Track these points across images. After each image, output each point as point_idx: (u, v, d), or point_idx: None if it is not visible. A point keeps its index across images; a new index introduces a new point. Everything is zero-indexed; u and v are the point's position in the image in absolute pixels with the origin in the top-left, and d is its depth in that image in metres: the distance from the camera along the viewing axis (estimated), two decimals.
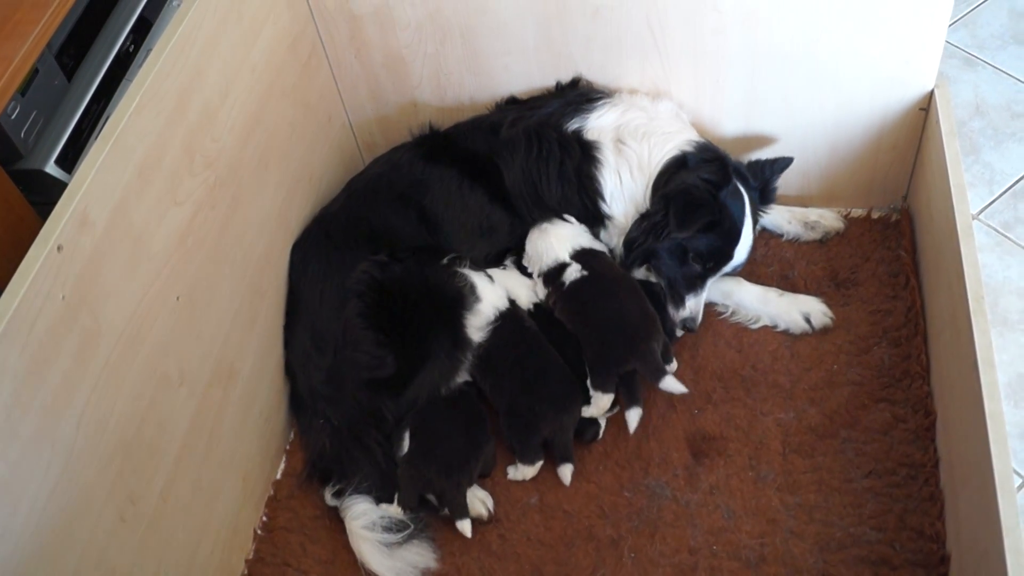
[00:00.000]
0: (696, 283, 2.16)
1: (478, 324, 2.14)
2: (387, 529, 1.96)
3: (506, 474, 2.08)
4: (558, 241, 2.21)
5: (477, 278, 2.17)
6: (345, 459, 2.08)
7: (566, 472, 2.03)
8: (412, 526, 1.97)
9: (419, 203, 2.27)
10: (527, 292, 2.26)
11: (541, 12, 2.25)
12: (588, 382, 2.07)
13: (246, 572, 2.04)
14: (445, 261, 2.18)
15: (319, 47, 2.40)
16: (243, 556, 2.05)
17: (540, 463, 2.06)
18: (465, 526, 1.96)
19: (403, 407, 2.08)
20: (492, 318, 2.14)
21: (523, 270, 2.30)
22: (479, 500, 2.03)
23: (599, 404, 2.07)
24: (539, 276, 2.23)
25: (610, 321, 2.10)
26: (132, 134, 1.66)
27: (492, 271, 2.27)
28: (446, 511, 1.99)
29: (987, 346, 1.67)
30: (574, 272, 2.15)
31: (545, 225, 2.25)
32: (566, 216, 2.26)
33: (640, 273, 2.26)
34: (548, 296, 2.20)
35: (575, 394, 2.08)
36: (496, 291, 2.19)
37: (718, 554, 1.90)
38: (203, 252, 1.88)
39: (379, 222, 2.26)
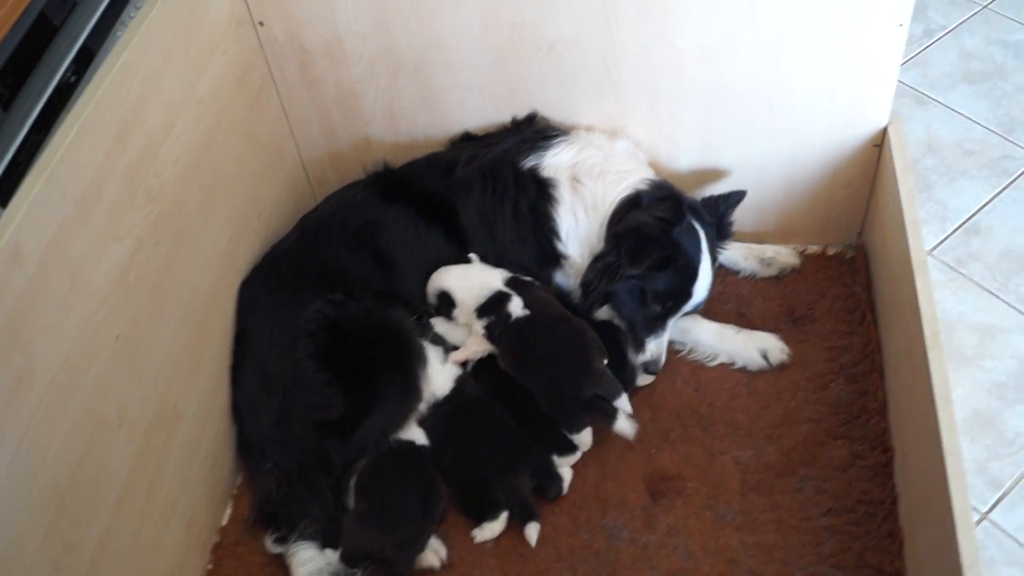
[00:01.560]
0: (656, 324, 2.16)
1: (427, 388, 2.13)
2: (334, 575, 1.92)
3: (472, 537, 2.01)
4: (486, 271, 2.19)
5: (433, 354, 2.16)
6: (292, 503, 2.04)
7: (532, 532, 1.99)
8: (359, 573, 1.94)
9: (374, 242, 2.26)
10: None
11: (495, 47, 2.25)
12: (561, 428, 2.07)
13: None
14: (410, 318, 2.19)
15: (269, 81, 2.38)
16: None
17: (504, 514, 2.01)
18: None
19: (351, 451, 2.04)
20: (432, 401, 2.13)
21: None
22: (431, 550, 1.99)
23: (583, 440, 2.07)
24: (474, 311, 2.16)
25: (554, 355, 2.08)
26: (69, 166, 1.62)
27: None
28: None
29: (944, 382, 1.68)
30: (518, 308, 2.12)
31: (456, 266, 2.23)
32: (470, 255, 2.25)
33: (603, 313, 2.25)
34: (489, 331, 2.14)
35: (519, 454, 2.05)
36: (445, 374, 2.16)
37: None
38: (145, 289, 1.84)
39: (332, 261, 2.24)
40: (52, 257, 1.58)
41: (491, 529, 2.00)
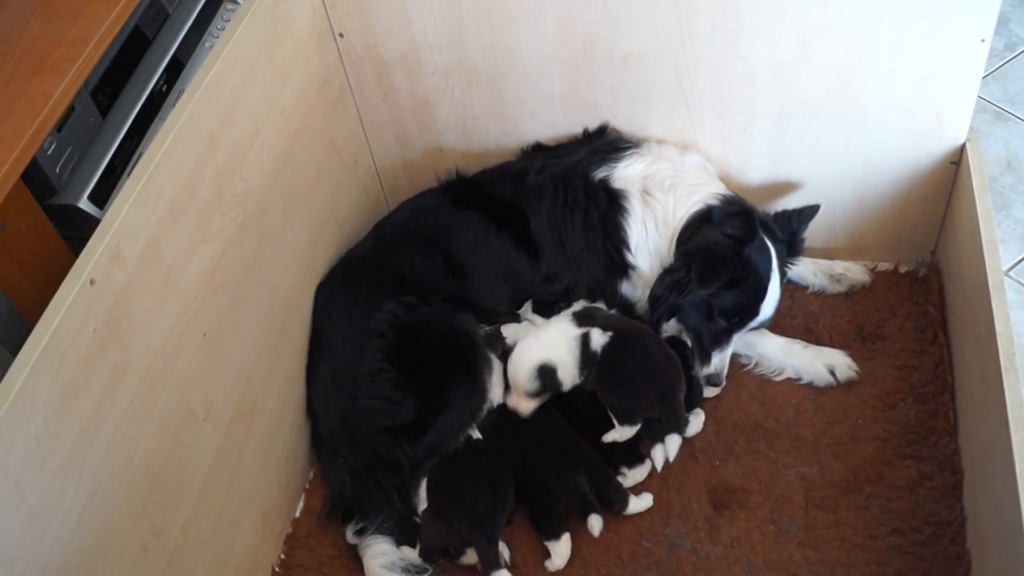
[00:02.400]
0: (721, 338, 2.17)
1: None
2: (406, 571, 2.00)
3: (542, 544, 2.05)
4: (553, 324, 2.19)
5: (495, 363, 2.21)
6: (365, 499, 2.10)
7: (595, 524, 2.03)
8: (430, 569, 2.01)
9: (445, 248, 2.31)
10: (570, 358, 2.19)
11: (568, 59, 2.30)
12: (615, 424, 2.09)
13: None
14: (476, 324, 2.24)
15: (347, 90, 2.46)
16: None
17: (567, 536, 2.04)
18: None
19: (421, 454, 2.10)
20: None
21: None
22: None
23: (622, 432, 2.09)
24: (577, 369, 2.15)
25: (640, 375, 2.10)
26: (165, 172, 1.72)
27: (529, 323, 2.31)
28: (466, 559, 2.02)
29: (1019, 405, 1.67)
30: (598, 337, 2.13)
31: (528, 334, 2.21)
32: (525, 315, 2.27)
33: (671, 327, 2.27)
34: (587, 379, 2.14)
35: (575, 456, 2.09)
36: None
37: None
38: (230, 290, 1.92)
39: (405, 266, 2.30)
40: (147, 257, 1.67)
41: (560, 553, 2.02)
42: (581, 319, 2.17)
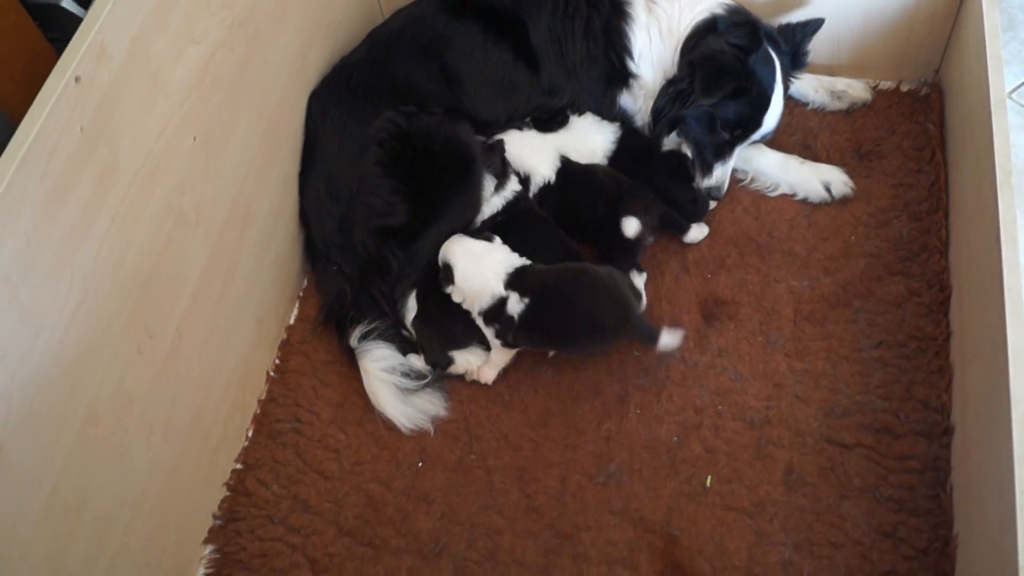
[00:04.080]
0: (724, 151, 2.14)
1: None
2: (405, 375, 2.01)
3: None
4: (491, 273, 1.98)
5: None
6: (365, 306, 2.11)
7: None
8: (429, 376, 2.03)
9: (441, 57, 2.24)
10: (547, 162, 2.20)
11: None
12: None
13: (259, 411, 2.09)
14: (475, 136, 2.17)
15: None
16: (256, 396, 2.10)
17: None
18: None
19: (410, 259, 2.08)
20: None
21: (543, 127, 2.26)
22: (479, 356, 2.06)
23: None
24: (479, 315, 2.01)
25: (582, 322, 1.93)
26: None
27: (512, 133, 2.25)
28: (455, 369, 2.04)
29: (1011, 221, 1.65)
30: (515, 304, 1.94)
31: (466, 245, 2.02)
32: (486, 234, 2.07)
33: (671, 141, 2.23)
34: (499, 334, 1.98)
35: (574, 256, 2.08)
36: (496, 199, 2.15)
37: (723, 414, 1.94)
38: (220, 93, 1.85)
39: (401, 75, 2.23)
40: (134, 56, 1.59)
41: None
42: (511, 279, 1.96)
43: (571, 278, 1.94)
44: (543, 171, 2.20)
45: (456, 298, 2.00)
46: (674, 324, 2.06)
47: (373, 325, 2.08)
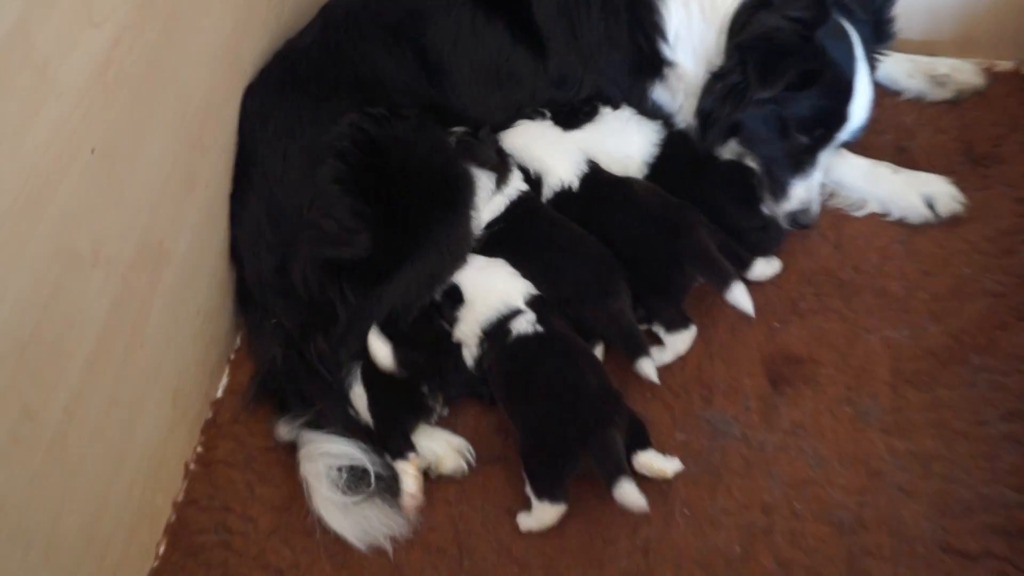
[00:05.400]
0: (803, 160, 2.12)
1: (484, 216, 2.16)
2: (354, 476, 1.97)
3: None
4: (510, 281, 2.09)
5: (480, 176, 2.16)
6: (302, 376, 2.08)
7: (648, 367, 2.00)
8: (376, 479, 1.97)
9: (418, 40, 2.25)
10: (567, 162, 2.21)
11: None
12: (527, 485, 1.94)
13: (173, 518, 2.04)
14: (455, 135, 2.17)
15: None
16: (170, 496, 2.06)
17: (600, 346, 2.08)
18: None
19: (366, 310, 2.04)
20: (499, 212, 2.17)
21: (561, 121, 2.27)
22: (453, 449, 2.02)
23: (539, 517, 1.94)
24: (480, 330, 2.06)
25: (560, 394, 1.95)
26: None
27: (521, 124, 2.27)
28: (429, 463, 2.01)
29: None
30: (526, 323, 2.01)
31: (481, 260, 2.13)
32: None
33: (728, 151, 2.22)
34: (482, 356, 2.06)
35: (616, 271, 2.07)
36: (497, 201, 2.18)
37: (801, 514, 1.90)
38: (127, 91, 1.81)
39: (365, 64, 2.24)
40: (14, 45, 1.54)
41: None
42: (534, 302, 2.06)
43: (584, 346, 2.01)
44: (561, 172, 2.20)
45: (461, 330, 2.04)
46: (731, 391, 2.04)
47: (301, 408, 2.05)
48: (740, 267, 2.12)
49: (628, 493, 1.81)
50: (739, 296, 2.03)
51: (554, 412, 1.91)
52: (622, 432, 1.89)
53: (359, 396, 2.03)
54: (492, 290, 2.04)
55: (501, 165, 2.15)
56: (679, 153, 2.25)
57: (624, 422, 1.91)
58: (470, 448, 2.03)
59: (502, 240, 2.12)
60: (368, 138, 2.06)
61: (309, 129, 2.13)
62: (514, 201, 2.16)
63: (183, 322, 2.06)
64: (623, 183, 2.18)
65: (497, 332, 2.01)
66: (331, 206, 2.04)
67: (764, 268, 2.15)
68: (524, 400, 1.97)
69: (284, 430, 2.06)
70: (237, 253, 2.22)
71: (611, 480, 1.82)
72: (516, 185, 2.17)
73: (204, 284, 2.14)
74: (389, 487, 1.97)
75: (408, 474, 1.94)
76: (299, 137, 2.15)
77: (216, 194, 2.17)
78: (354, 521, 1.94)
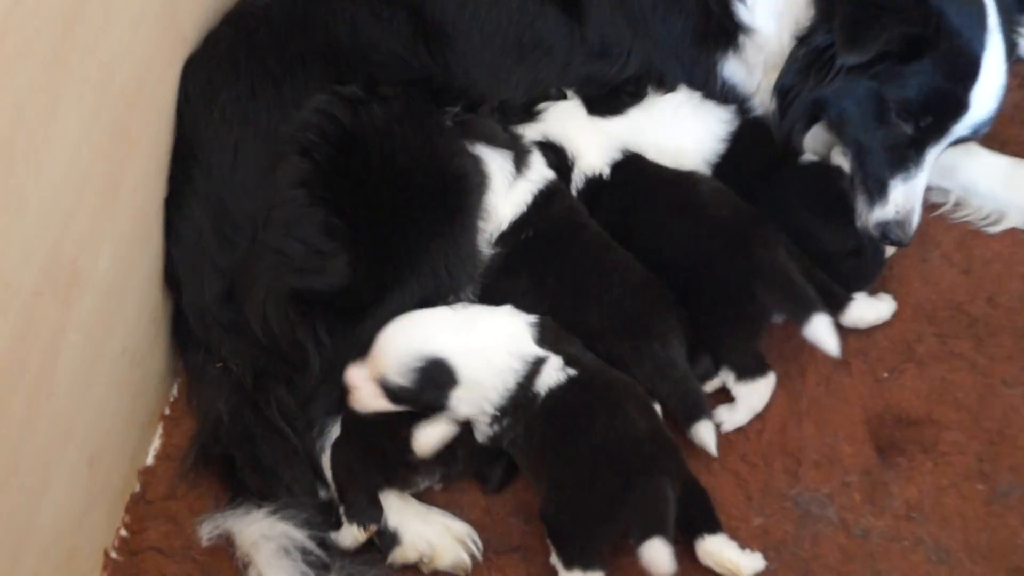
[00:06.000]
0: (906, 157, 2.11)
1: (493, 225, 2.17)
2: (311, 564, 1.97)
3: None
4: (509, 323, 2.06)
5: (495, 163, 2.17)
6: (258, 437, 2.10)
7: (707, 433, 2.00)
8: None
9: None
10: (596, 147, 2.23)
11: None
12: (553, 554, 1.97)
13: None
14: (449, 116, 2.19)
15: None
16: None
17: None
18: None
19: (344, 353, 2.06)
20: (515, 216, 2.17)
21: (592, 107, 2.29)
22: (453, 537, 2.03)
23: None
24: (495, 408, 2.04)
25: (601, 445, 1.97)
26: None
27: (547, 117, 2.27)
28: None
29: None
30: (554, 372, 2.00)
31: (437, 317, 2.07)
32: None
33: (814, 142, 2.23)
34: (503, 432, 2.03)
35: (665, 304, 2.08)
36: (516, 194, 2.18)
37: None
38: (32, 64, 1.80)
39: (342, 28, 2.25)
40: None
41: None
42: (544, 333, 2.07)
43: (622, 382, 2.02)
44: (590, 157, 2.23)
45: (464, 411, 2.01)
46: (826, 462, 2.04)
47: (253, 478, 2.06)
48: (832, 308, 2.11)
49: (659, 554, 1.81)
50: (820, 330, 2.03)
51: (593, 465, 1.92)
52: (675, 488, 1.89)
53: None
54: (494, 349, 2.00)
55: (514, 142, 2.17)
56: (751, 151, 2.26)
57: (679, 480, 1.91)
58: (475, 537, 2.03)
59: (529, 252, 2.13)
60: (339, 128, 2.08)
61: (268, 115, 2.16)
62: (541, 191, 2.17)
63: (103, 364, 2.05)
64: (683, 179, 2.19)
65: (520, 399, 1.99)
66: (295, 221, 2.06)
67: (866, 310, 2.14)
68: (559, 461, 1.97)
69: (208, 528, 2.06)
70: (174, 276, 2.22)
71: (643, 537, 1.82)
72: (540, 170, 2.18)
73: (131, 316, 2.13)
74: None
75: (351, 534, 1.98)
76: (254, 125, 2.17)
77: (147, 199, 2.17)
78: None
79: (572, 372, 1.99)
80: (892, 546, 1.96)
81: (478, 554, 2.01)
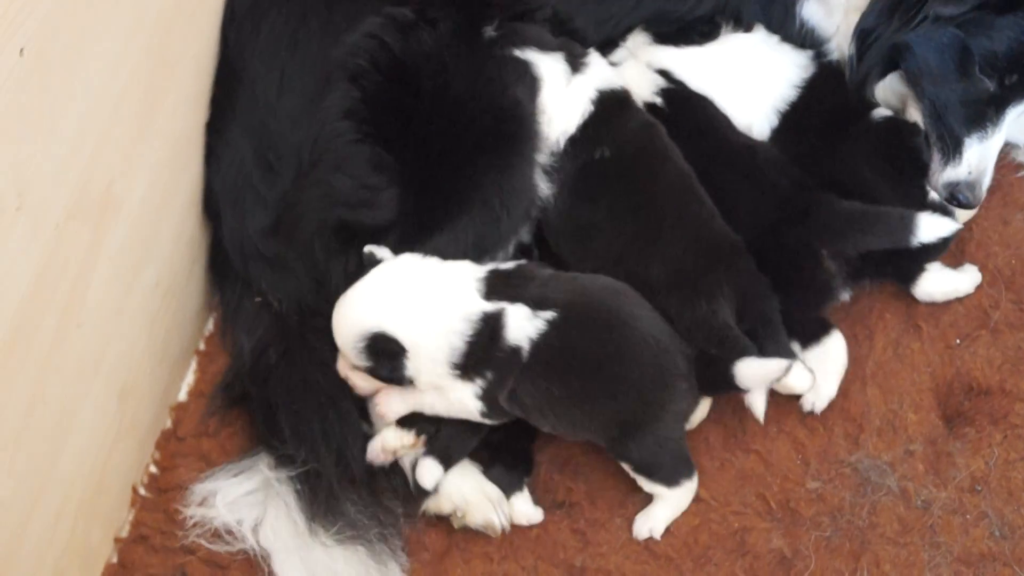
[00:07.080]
0: (984, 114, 2.07)
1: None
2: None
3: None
4: (448, 293, 2.01)
5: (548, 64, 2.13)
6: (295, 378, 2.09)
7: (748, 372, 1.95)
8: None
9: None
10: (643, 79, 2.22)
11: None
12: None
13: (115, 559, 2.03)
14: (493, 31, 2.15)
15: None
16: (111, 531, 2.04)
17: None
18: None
19: None
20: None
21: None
22: (486, 498, 2.02)
23: (676, 503, 2.02)
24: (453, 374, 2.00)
25: (626, 355, 1.97)
26: None
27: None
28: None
29: None
30: (524, 322, 1.96)
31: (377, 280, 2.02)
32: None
33: (888, 94, 2.20)
34: (487, 394, 1.99)
35: (729, 268, 2.04)
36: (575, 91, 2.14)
37: None
38: None
39: None
40: None
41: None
42: (494, 285, 2.02)
43: (612, 292, 2.00)
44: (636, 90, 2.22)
45: (424, 379, 1.98)
46: (889, 429, 2.02)
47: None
48: (901, 279, 2.10)
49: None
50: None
51: (628, 377, 1.95)
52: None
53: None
54: (433, 311, 1.97)
55: (566, 43, 2.15)
56: (823, 102, 2.22)
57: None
58: (505, 507, 2.03)
59: (608, 177, 2.09)
60: (390, 55, 2.06)
61: (317, 38, 2.14)
62: (605, 93, 2.14)
63: (135, 296, 2.05)
64: (748, 148, 2.17)
65: (487, 357, 1.95)
66: (343, 155, 2.05)
67: (938, 283, 2.11)
68: (593, 398, 1.98)
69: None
70: (212, 206, 2.22)
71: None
72: (600, 71, 2.15)
73: (166, 246, 2.13)
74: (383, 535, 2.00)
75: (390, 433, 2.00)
76: (303, 49, 2.15)
77: (186, 124, 2.16)
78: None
79: (548, 316, 1.95)
80: (954, 519, 1.94)
81: (506, 525, 2.02)
